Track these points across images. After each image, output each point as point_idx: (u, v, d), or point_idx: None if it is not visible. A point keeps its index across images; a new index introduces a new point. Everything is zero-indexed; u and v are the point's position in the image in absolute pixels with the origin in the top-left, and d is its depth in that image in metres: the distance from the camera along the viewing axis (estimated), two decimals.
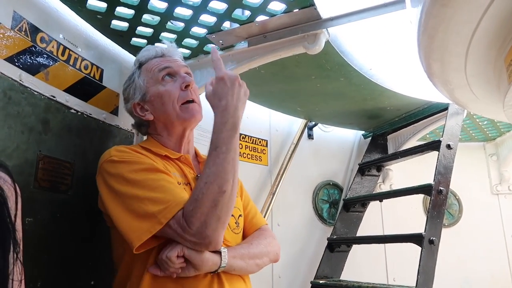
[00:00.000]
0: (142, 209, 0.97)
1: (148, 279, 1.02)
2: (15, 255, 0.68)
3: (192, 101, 1.22)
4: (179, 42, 1.52)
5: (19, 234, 0.73)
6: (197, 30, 1.47)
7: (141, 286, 1.01)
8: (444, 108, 2.24)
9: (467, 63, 1.20)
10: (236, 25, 1.44)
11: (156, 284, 1.02)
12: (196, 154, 1.32)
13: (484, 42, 1.09)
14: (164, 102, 1.20)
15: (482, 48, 1.11)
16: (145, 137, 1.53)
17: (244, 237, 1.27)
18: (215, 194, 0.96)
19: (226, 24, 1.45)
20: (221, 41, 1.51)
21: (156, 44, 1.34)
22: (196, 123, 1.26)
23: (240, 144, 2.28)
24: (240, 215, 1.26)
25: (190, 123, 1.23)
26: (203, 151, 1.26)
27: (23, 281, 0.72)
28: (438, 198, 1.90)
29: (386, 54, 1.81)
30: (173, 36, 1.49)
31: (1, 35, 1.05)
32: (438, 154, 2.01)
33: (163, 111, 1.21)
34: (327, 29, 1.42)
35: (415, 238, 1.82)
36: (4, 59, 1.05)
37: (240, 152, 2.25)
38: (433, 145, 2.10)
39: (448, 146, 2.04)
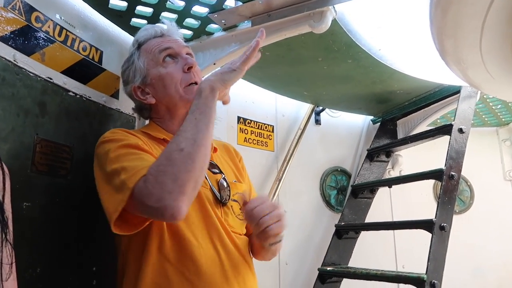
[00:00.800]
0: (118, 180, 0.92)
1: (147, 266, 1.00)
2: (3, 236, 0.65)
3: (196, 83, 1.16)
4: (180, 23, 1.47)
5: (9, 215, 0.70)
6: (198, 9, 1.41)
7: (141, 273, 0.99)
8: (456, 91, 2.16)
9: (482, 39, 1.13)
10: (239, 3, 1.38)
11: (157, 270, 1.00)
12: None
13: (502, 15, 1.03)
14: (166, 84, 1.15)
15: (500, 22, 1.04)
16: (147, 121, 1.50)
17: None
18: (171, 152, 0.90)
19: (229, 3, 1.39)
20: (223, 21, 1.45)
21: (156, 24, 1.28)
22: None
23: (246, 129, 2.24)
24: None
25: None
26: None
27: (13, 264, 0.69)
28: (449, 184, 1.84)
29: (396, 33, 1.73)
30: (174, 15, 1.44)
31: None
32: (450, 139, 1.95)
33: (166, 94, 1.16)
34: (333, 7, 1.36)
35: (425, 224, 1.77)
36: None
37: (245, 138, 2.21)
38: (445, 129, 2.03)
39: (460, 130, 1.97)
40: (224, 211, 1.13)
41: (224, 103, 1.11)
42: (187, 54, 1.21)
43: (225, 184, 1.16)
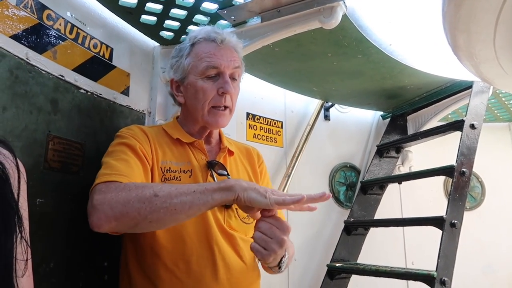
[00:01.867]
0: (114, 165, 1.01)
1: (141, 263, 1.08)
2: (19, 234, 0.66)
3: (224, 108, 1.19)
4: (189, 19, 1.47)
5: (25, 213, 0.71)
6: (208, 6, 1.41)
7: (135, 271, 1.08)
8: (468, 86, 2.13)
9: (496, 34, 1.11)
10: None
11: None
12: (221, 140, 1.31)
13: None
14: (197, 97, 1.19)
15: None
16: (156, 118, 1.51)
17: None
18: (147, 189, 0.91)
19: None
20: (233, 17, 1.45)
21: (216, 29, 1.24)
22: (218, 128, 1.26)
23: (255, 125, 2.24)
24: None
25: (211, 127, 1.23)
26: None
27: (29, 261, 0.70)
28: (460, 180, 1.82)
29: (407, 28, 1.71)
30: (183, 12, 1.44)
31: (6, 12, 1.02)
32: (461, 134, 1.93)
33: (194, 104, 1.21)
34: (344, 2, 1.34)
35: (435, 221, 1.76)
36: (10, 37, 1.02)
37: (254, 134, 2.21)
38: (456, 125, 2.01)
39: (472, 126, 1.95)
40: (228, 214, 1.16)
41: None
42: (231, 74, 1.20)
43: None
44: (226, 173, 1.20)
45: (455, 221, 1.71)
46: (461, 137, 1.92)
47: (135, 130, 1.16)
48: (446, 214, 1.73)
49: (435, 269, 1.63)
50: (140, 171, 1.04)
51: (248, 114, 2.23)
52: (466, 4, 0.98)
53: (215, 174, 1.18)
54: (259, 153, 1.40)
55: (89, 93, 1.29)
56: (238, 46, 1.24)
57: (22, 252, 0.68)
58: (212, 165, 1.19)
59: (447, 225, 1.71)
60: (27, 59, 1.07)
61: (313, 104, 2.48)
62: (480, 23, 1.06)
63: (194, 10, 1.42)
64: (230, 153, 1.28)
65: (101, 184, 0.94)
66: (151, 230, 1.03)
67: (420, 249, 2.48)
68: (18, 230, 0.66)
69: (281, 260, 1.00)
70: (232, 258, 1.11)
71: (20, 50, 1.04)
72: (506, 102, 2.53)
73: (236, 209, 1.17)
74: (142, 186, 0.92)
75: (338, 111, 2.65)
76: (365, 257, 2.23)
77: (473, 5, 0.98)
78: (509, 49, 1.20)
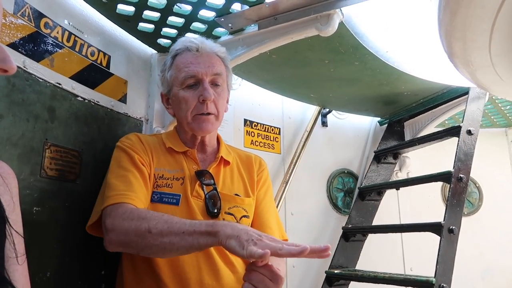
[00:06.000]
0: (105, 194, 1.07)
1: (130, 270, 1.13)
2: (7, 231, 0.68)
3: (208, 114, 1.20)
4: (187, 27, 1.47)
5: (10, 214, 0.71)
6: (205, 13, 1.42)
7: (124, 277, 1.14)
8: (464, 92, 2.14)
9: (492, 41, 1.12)
10: (246, 7, 1.38)
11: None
12: (218, 149, 1.31)
13: None
14: (180, 107, 1.22)
15: (510, 24, 1.03)
16: (154, 126, 1.51)
17: None
18: (149, 221, 0.95)
19: (236, 6, 1.40)
20: (230, 25, 1.46)
21: (192, 38, 1.29)
22: (205, 134, 1.26)
23: (252, 132, 2.24)
24: (244, 216, 1.22)
25: (197, 133, 1.24)
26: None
27: (19, 258, 0.71)
28: (458, 186, 1.83)
29: (403, 35, 1.72)
30: (181, 20, 1.44)
31: (3, 21, 1.02)
32: (458, 140, 1.93)
33: (179, 114, 1.25)
34: (340, 9, 1.35)
35: (434, 227, 1.75)
36: (7, 45, 1.02)
37: (252, 140, 2.21)
38: (453, 131, 2.01)
39: (469, 132, 1.95)
40: None
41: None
42: (211, 80, 1.22)
43: (216, 196, 1.19)
44: (212, 182, 1.20)
45: (453, 227, 1.71)
46: (458, 143, 1.93)
47: (134, 140, 1.19)
48: (444, 220, 1.73)
49: (433, 275, 1.62)
50: (139, 183, 1.09)
51: (245, 120, 2.23)
52: (461, 12, 0.99)
53: (203, 185, 1.19)
54: (262, 162, 1.40)
55: (86, 101, 1.29)
56: (217, 51, 1.26)
57: (11, 249, 0.69)
58: (200, 175, 1.20)
59: (445, 231, 1.70)
60: (24, 67, 1.07)
61: (311, 110, 2.48)
62: (475, 31, 1.06)
63: (191, 18, 1.43)
64: (226, 163, 1.29)
65: (110, 206, 1.02)
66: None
67: (418, 254, 2.47)
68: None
69: None
70: (218, 264, 1.12)
71: (17, 58, 1.05)
72: (502, 108, 2.54)
73: (223, 218, 1.18)
74: (141, 218, 0.96)
75: (336, 117, 2.65)
76: (363, 264, 2.22)
77: (468, 13, 0.99)
78: (505, 56, 1.21)
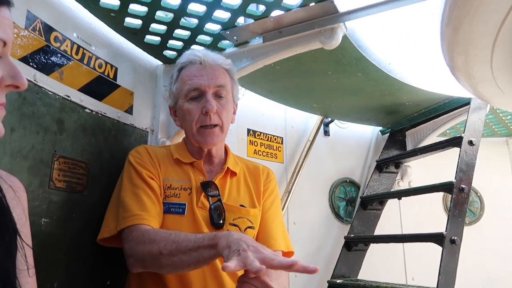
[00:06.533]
0: (119, 212, 1.12)
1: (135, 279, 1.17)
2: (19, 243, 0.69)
3: (213, 126, 1.22)
4: (193, 39, 1.49)
5: (21, 225, 0.73)
6: (211, 27, 1.44)
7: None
8: (465, 102, 2.17)
9: (493, 56, 1.14)
10: (251, 21, 1.41)
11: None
12: (226, 160, 1.32)
13: None
14: (185, 119, 1.25)
15: (511, 39, 1.06)
16: (159, 136, 1.53)
17: None
18: (162, 242, 1.00)
19: (241, 20, 1.42)
20: (235, 37, 1.48)
21: (196, 51, 1.31)
22: (211, 147, 1.27)
23: (256, 141, 2.26)
24: (249, 227, 1.23)
25: (203, 146, 1.26)
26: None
27: (29, 271, 0.72)
28: (460, 197, 1.84)
29: (406, 47, 1.75)
30: (187, 33, 1.47)
31: (15, 35, 1.04)
32: (460, 151, 1.95)
33: (185, 126, 1.28)
34: (344, 23, 1.38)
35: (436, 238, 1.76)
36: (19, 59, 1.04)
37: (255, 150, 2.23)
38: (455, 142, 2.03)
39: (470, 143, 1.97)
40: None
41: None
42: (215, 92, 1.24)
43: (221, 207, 1.20)
44: (217, 194, 1.22)
45: (455, 238, 1.72)
46: (459, 154, 1.94)
47: (142, 153, 1.22)
48: (446, 231, 1.74)
49: (435, 286, 1.63)
50: (151, 200, 1.13)
51: (249, 130, 2.24)
52: (464, 28, 1.01)
53: (209, 196, 1.20)
54: (270, 172, 1.40)
55: (94, 113, 1.31)
56: (221, 63, 1.28)
57: (23, 261, 0.70)
58: (205, 186, 1.22)
59: (447, 241, 1.71)
60: (34, 80, 1.09)
61: (313, 119, 2.50)
62: (477, 46, 1.09)
63: (197, 30, 1.45)
64: (233, 173, 1.30)
65: (126, 230, 1.08)
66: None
67: (420, 264, 2.47)
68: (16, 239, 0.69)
69: None
70: (222, 276, 1.14)
71: (28, 72, 1.06)
72: (503, 118, 2.56)
73: (227, 230, 1.18)
74: (152, 241, 1.01)
75: (338, 127, 2.67)
76: (365, 273, 2.23)
77: (470, 29, 1.01)
78: (506, 70, 1.23)
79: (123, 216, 1.09)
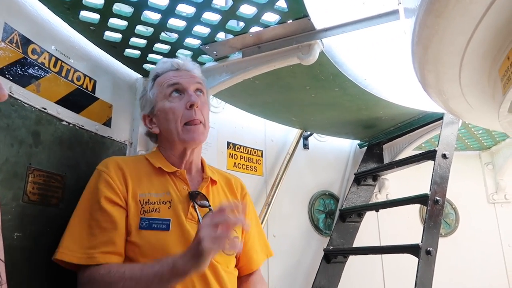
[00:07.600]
0: (83, 236, 1.06)
1: None
2: None
3: (197, 123, 1.22)
4: (173, 53, 1.51)
5: None
6: (191, 41, 1.46)
7: None
8: (439, 117, 2.24)
9: (461, 74, 1.19)
10: (230, 36, 1.43)
11: None
12: (203, 169, 1.32)
13: (478, 53, 1.09)
14: (168, 119, 1.22)
15: (477, 58, 1.11)
16: (138, 149, 1.52)
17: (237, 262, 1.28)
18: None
19: (220, 35, 1.44)
20: (215, 52, 1.50)
21: (173, 58, 1.34)
22: (197, 145, 1.27)
23: (235, 154, 2.27)
24: (235, 237, 1.23)
25: (189, 144, 1.24)
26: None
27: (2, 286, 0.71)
28: (434, 208, 1.89)
29: (381, 64, 1.81)
30: (167, 47, 1.48)
31: None
32: (434, 164, 2.01)
33: (167, 127, 1.24)
34: (321, 40, 1.42)
35: (412, 249, 1.80)
36: None
37: (235, 163, 2.23)
38: (429, 155, 2.09)
39: (444, 156, 2.03)
40: None
41: None
42: (196, 89, 1.26)
43: None
44: (208, 204, 1.20)
45: (430, 249, 1.76)
46: (434, 167, 2.00)
47: (111, 168, 1.16)
48: (421, 242, 1.77)
49: None
50: (106, 227, 1.08)
51: (228, 143, 2.25)
52: (433, 47, 1.06)
53: (196, 206, 1.18)
54: (243, 184, 1.42)
55: (71, 125, 1.29)
56: (196, 69, 1.32)
57: None
58: (193, 196, 1.19)
59: (423, 252, 1.75)
60: (10, 92, 1.07)
61: (292, 133, 2.54)
62: (446, 64, 1.14)
63: (177, 45, 1.47)
64: (213, 182, 1.29)
65: (79, 269, 1.06)
66: None
67: (398, 276, 2.51)
68: None
69: None
70: (213, 286, 1.12)
71: (4, 84, 1.05)
72: (475, 133, 2.65)
73: None
74: (107, 285, 0.99)
75: (317, 140, 2.71)
76: (344, 285, 2.24)
77: (439, 49, 1.06)
78: (473, 87, 1.28)
79: (72, 248, 1.05)
